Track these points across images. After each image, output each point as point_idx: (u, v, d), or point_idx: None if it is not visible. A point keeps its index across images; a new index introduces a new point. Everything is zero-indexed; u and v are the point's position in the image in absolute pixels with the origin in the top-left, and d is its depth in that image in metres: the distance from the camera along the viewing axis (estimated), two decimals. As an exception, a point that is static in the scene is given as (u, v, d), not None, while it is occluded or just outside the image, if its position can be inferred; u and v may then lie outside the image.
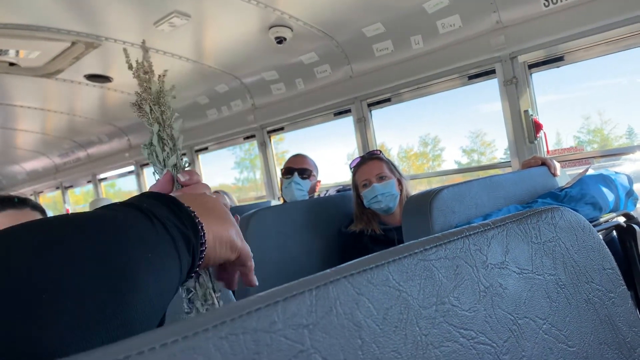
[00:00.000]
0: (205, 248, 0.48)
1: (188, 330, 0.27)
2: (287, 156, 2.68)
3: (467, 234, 0.45)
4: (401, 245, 0.41)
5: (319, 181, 2.60)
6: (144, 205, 0.45)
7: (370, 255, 0.38)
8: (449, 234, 0.44)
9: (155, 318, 0.41)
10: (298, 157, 2.57)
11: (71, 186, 6.59)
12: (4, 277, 0.31)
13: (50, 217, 0.39)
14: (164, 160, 0.67)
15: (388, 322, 0.36)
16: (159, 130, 0.67)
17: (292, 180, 2.44)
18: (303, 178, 2.46)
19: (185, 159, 0.68)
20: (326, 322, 0.33)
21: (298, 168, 2.48)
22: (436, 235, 0.44)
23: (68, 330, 0.31)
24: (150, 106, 0.67)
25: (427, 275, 0.40)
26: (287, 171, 2.50)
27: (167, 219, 0.44)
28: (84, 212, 0.40)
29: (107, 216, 0.41)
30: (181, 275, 0.44)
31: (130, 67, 0.69)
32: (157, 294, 0.40)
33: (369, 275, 0.36)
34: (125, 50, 0.70)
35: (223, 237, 0.52)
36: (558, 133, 2.63)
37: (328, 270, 0.35)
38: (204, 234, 0.48)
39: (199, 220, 0.48)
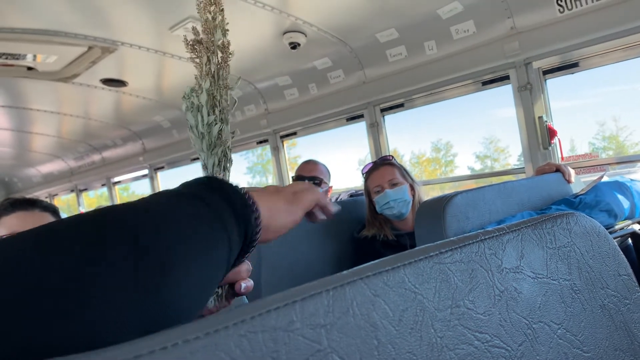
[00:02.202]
0: (260, 221, 0.47)
1: (209, 327, 0.28)
2: (300, 161, 2.68)
3: (483, 238, 0.45)
4: (417, 248, 0.42)
5: (331, 187, 2.60)
6: (182, 190, 0.43)
7: (386, 258, 0.39)
8: (465, 237, 0.45)
9: (195, 309, 0.39)
10: (309, 165, 2.57)
11: (86, 189, 6.66)
12: (40, 275, 0.31)
13: (89, 212, 0.38)
14: (208, 125, 0.57)
15: (404, 323, 0.36)
16: (211, 87, 0.57)
17: None
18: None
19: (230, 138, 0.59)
20: (343, 322, 0.33)
21: (308, 176, 2.49)
22: (452, 239, 0.44)
23: (102, 326, 0.32)
24: (208, 56, 0.58)
25: (443, 278, 0.40)
26: (298, 179, 2.51)
27: (209, 197, 0.43)
28: (119, 205, 0.39)
29: (140, 207, 0.39)
30: (231, 252, 0.43)
31: None
32: (199, 284, 0.39)
33: (385, 277, 0.37)
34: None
35: (279, 206, 0.51)
36: (572, 139, 2.61)
37: (344, 272, 0.36)
38: (256, 206, 0.46)
39: (246, 193, 0.46)
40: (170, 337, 0.27)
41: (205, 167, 0.60)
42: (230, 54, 0.59)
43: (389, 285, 0.37)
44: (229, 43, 0.60)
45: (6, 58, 2.93)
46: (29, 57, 2.98)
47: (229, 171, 0.60)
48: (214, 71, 0.57)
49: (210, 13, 0.59)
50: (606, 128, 2.69)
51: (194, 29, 0.58)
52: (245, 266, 0.59)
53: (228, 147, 0.59)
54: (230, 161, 0.60)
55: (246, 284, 0.60)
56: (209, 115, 0.57)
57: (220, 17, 0.59)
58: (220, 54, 0.58)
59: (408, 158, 3.90)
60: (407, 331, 0.36)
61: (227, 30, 0.59)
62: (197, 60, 0.58)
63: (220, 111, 0.58)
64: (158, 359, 0.26)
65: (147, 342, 0.26)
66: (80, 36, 2.75)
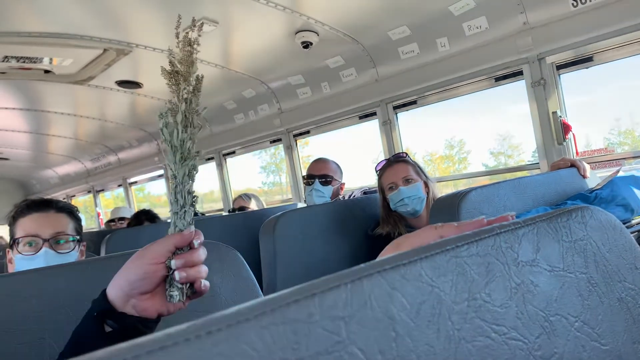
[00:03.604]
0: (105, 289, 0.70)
1: (232, 320, 0.29)
2: (312, 160, 2.69)
3: (498, 231, 0.46)
4: (434, 242, 0.42)
5: (343, 184, 2.59)
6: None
7: (403, 252, 0.39)
8: (481, 231, 0.45)
9: None
10: (319, 163, 2.56)
11: (102, 190, 6.73)
12: None
13: None
14: (181, 141, 0.68)
15: (421, 316, 0.37)
16: (185, 110, 0.67)
17: (313, 187, 2.46)
18: (324, 184, 2.46)
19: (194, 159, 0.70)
20: (361, 314, 0.34)
21: (318, 175, 2.48)
22: (467, 232, 0.45)
23: None
24: (183, 83, 0.68)
25: (459, 272, 0.41)
26: (309, 178, 2.51)
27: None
28: None
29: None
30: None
31: (177, 35, 0.70)
32: None
33: (402, 270, 0.37)
34: (179, 17, 0.72)
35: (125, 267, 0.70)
36: (587, 135, 2.59)
37: (362, 265, 0.37)
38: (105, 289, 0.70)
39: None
40: (193, 329, 0.27)
41: (175, 177, 0.71)
42: (201, 84, 0.71)
43: (406, 278, 0.37)
44: (202, 77, 0.72)
45: (24, 62, 2.97)
46: (46, 60, 3.03)
47: (194, 180, 0.72)
48: (187, 97, 0.68)
49: (187, 52, 0.70)
50: (622, 123, 2.66)
51: (170, 62, 0.70)
52: (204, 267, 0.71)
53: (196, 161, 0.70)
54: (197, 172, 0.72)
55: (205, 282, 0.72)
56: (182, 132, 0.68)
57: (195, 55, 0.71)
58: (194, 84, 0.70)
59: (421, 156, 3.89)
60: (424, 324, 0.36)
61: (197, 67, 0.71)
62: (174, 87, 0.69)
63: (191, 131, 0.69)
64: (181, 351, 0.26)
65: (171, 334, 0.27)
66: (96, 39, 2.78)
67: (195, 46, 0.70)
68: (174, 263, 0.68)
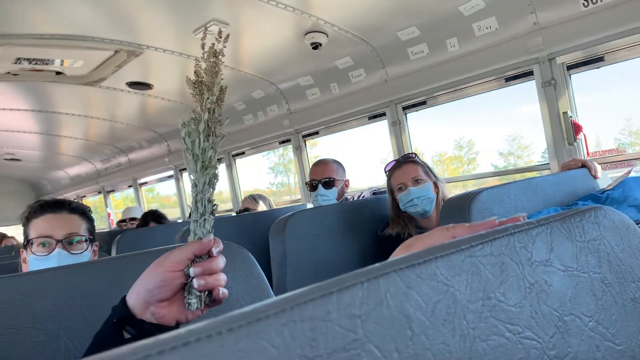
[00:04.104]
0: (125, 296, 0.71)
1: (252, 317, 0.29)
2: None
3: (512, 231, 0.46)
4: (448, 242, 0.42)
5: (347, 180, 2.58)
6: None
7: (418, 251, 0.40)
8: (494, 231, 0.45)
9: None
10: (319, 166, 2.54)
11: (113, 190, 6.78)
12: None
13: None
14: (202, 150, 0.68)
15: (436, 315, 0.37)
16: (208, 119, 0.68)
17: (318, 192, 2.46)
18: (328, 187, 2.46)
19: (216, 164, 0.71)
20: (377, 313, 0.34)
21: (320, 179, 2.48)
22: (482, 232, 0.45)
23: None
24: (208, 94, 0.69)
25: (474, 271, 0.41)
26: (311, 184, 2.51)
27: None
28: None
29: None
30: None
31: (203, 46, 0.71)
32: None
33: (418, 270, 0.38)
34: (205, 28, 0.74)
35: (144, 273, 0.71)
36: (597, 135, 2.57)
37: (377, 264, 0.37)
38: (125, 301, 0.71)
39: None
40: (214, 325, 0.28)
41: (195, 185, 0.71)
42: (224, 95, 0.72)
43: (421, 277, 0.37)
44: (226, 87, 0.72)
45: (35, 63, 3.01)
46: (57, 62, 3.06)
47: (214, 189, 0.72)
48: (210, 107, 0.69)
49: (211, 62, 0.71)
50: (633, 123, 2.64)
51: (196, 72, 0.71)
52: (223, 276, 0.72)
53: (217, 170, 0.71)
54: (217, 180, 0.72)
55: (223, 290, 0.71)
56: (204, 141, 0.68)
57: (219, 66, 0.71)
58: (217, 94, 0.70)
59: (430, 156, 3.88)
60: (439, 322, 0.37)
61: (222, 78, 0.72)
62: (198, 97, 0.70)
63: (213, 140, 0.69)
64: (204, 347, 0.27)
65: (193, 330, 0.27)
66: (107, 40, 2.80)
67: (220, 57, 0.71)
68: (192, 271, 0.69)
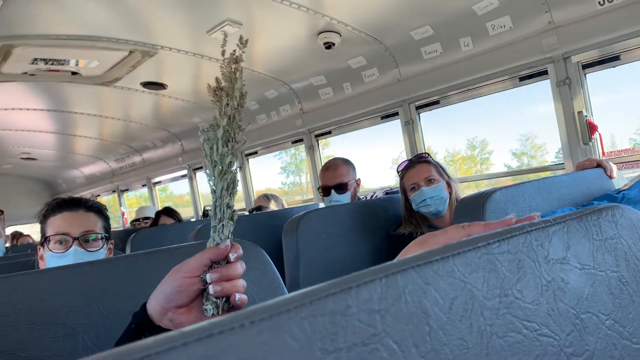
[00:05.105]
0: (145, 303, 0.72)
1: (273, 310, 0.30)
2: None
3: (529, 229, 0.46)
4: (465, 239, 0.43)
5: (359, 179, 2.55)
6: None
7: (435, 248, 0.40)
8: (511, 229, 0.45)
9: None
10: (329, 171, 2.48)
11: (127, 189, 6.84)
12: None
13: None
14: (221, 156, 0.68)
15: (454, 311, 0.37)
16: (227, 124, 0.68)
17: (331, 199, 2.43)
18: (340, 192, 2.42)
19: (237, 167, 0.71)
20: (396, 308, 0.34)
21: (333, 185, 2.44)
22: (498, 230, 0.45)
23: None
24: (227, 99, 0.69)
25: (491, 268, 0.41)
26: (324, 190, 2.47)
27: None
28: None
29: None
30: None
31: (223, 53, 0.71)
32: None
33: (435, 266, 0.38)
34: (225, 33, 0.74)
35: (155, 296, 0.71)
36: (612, 135, 2.54)
37: (395, 261, 0.37)
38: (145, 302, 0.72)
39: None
40: (237, 318, 0.29)
41: (214, 191, 0.70)
42: (245, 100, 0.72)
43: (439, 274, 0.38)
44: (246, 92, 0.72)
45: (52, 64, 3.04)
46: (73, 62, 3.09)
47: (234, 195, 0.71)
48: (230, 113, 0.69)
49: (232, 68, 0.71)
50: (649, 123, 2.61)
51: (217, 79, 0.71)
52: (241, 282, 0.71)
53: (236, 176, 0.70)
54: (236, 186, 0.71)
55: (240, 296, 0.70)
56: (223, 147, 0.68)
57: (239, 71, 0.71)
58: (238, 100, 0.70)
59: (442, 156, 3.87)
60: (457, 318, 0.37)
61: (244, 83, 0.72)
62: (217, 103, 0.70)
63: (232, 146, 0.69)
64: (227, 339, 0.27)
65: (216, 323, 0.28)
66: (122, 41, 2.83)
67: (240, 63, 0.71)
68: (208, 277, 0.68)
